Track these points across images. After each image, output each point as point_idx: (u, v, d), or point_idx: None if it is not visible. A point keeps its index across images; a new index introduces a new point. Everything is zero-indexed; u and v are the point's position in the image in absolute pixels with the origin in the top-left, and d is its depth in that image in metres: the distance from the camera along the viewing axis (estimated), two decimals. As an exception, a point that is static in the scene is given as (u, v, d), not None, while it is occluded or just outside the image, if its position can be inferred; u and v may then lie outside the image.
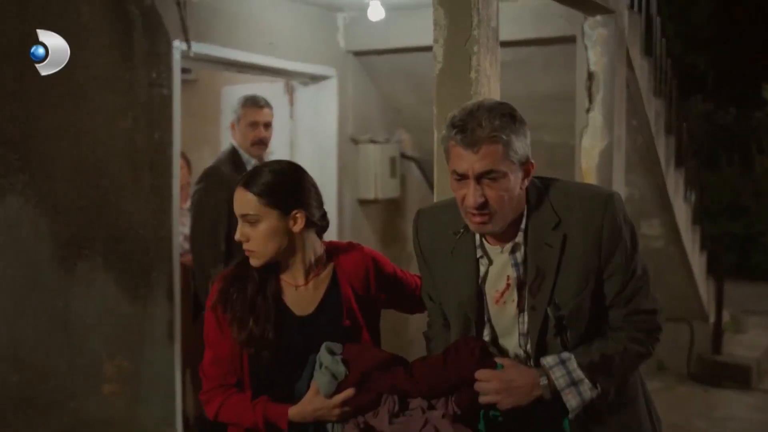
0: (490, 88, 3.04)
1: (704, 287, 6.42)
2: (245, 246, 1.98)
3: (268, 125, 3.88)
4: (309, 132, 4.99)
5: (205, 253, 3.72)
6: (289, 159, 4.79)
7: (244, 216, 1.97)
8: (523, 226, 1.88)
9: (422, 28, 4.93)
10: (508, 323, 1.94)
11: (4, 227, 2.99)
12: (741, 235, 11.17)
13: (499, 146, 1.76)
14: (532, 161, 1.85)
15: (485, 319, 1.95)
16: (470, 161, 1.78)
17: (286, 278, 2.07)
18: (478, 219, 1.81)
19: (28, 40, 3.07)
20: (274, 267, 2.05)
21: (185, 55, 3.81)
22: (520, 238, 1.88)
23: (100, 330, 3.37)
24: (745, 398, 6.01)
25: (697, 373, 6.39)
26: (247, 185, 1.96)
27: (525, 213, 1.88)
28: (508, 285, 1.91)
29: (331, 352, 1.96)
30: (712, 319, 6.58)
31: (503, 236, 1.89)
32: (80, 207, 3.25)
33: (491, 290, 1.94)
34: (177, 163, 3.72)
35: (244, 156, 3.85)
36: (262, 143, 3.85)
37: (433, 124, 5.66)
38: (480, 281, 1.94)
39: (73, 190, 3.22)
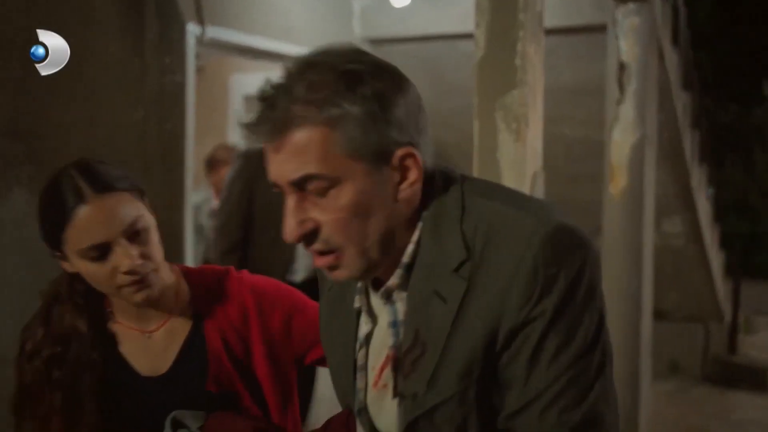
0: (536, 77, 2.85)
1: (722, 287, 6.27)
2: (139, 271, 1.34)
3: None
4: (322, 123, 4.78)
5: (223, 234, 3.64)
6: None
7: (131, 227, 1.34)
8: (406, 259, 1.08)
9: (443, 16, 4.78)
10: (391, 420, 1.13)
11: (11, 224, 2.78)
12: (745, 234, 11.08)
13: (316, 132, 1.00)
14: (415, 152, 1.04)
15: (358, 408, 1.18)
16: (274, 163, 1.05)
17: (126, 321, 1.44)
18: (320, 261, 1.08)
19: (35, 28, 2.88)
20: (103, 305, 1.44)
21: (199, 41, 3.60)
22: (398, 278, 1.09)
23: (110, 332, 3.16)
24: (761, 401, 5.87)
25: (712, 374, 6.26)
26: (110, 187, 1.34)
27: (416, 239, 1.08)
28: (388, 357, 1.12)
29: (180, 426, 1.37)
30: (727, 319, 6.44)
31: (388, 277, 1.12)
32: (90, 201, 3.05)
33: (375, 363, 1.15)
34: (190, 155, 3.52)
35: None
36: None
37: (450, 118, 5.48)
38: (358, 348, 1.17)
39: (82, 184, 3.01)
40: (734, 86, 13.07)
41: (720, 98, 12.70)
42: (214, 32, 3.67)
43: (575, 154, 5.06)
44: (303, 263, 3.72)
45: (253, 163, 3.69)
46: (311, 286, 4.03)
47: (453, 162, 4.79)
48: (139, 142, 3.21)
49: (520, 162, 2.78)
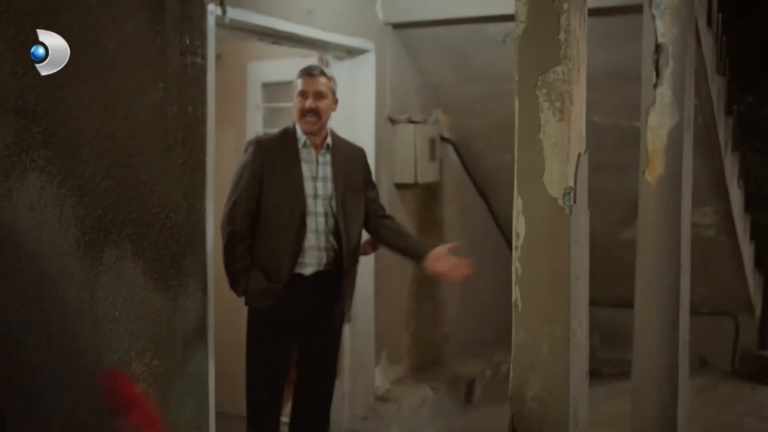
0: (580, 53, 2.69)
1: (753, 279, 6.09)
2: None
3: (320, 95, 3.55)
4: (344, 110, 4.62)
5: (228, 223, 3.58)
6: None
7: None
8: None
9: (469, -2, 4.63)
10: None
11: (26, 210, 2.63)
12: (764, 226, 10.86)
13: None
14: None
15: None
16: None
17: None
18: None
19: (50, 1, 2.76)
20: None
21: (219, 22, 3.46)
22: None
23: (129, 325, 3.02)
24: (795, 397, 5.71)
25: (742, 369, 6.09)
26: None
27: None
28: None
29: None
30: (757, 312, 6.26)
31: None
32: (107, 187, 2.89)
33: None
34: (211, 140, 3.37)
35: (299, 131, 3.58)
36: (311, 114, 3.53)
37: (471, 104, 5.18)
38: None
39: (100, 168, 2.86)
40: (748, 76, 12.83)
41: (735, 87, 12.45)
42: (234, 13, 3.53)
43: (604, 142, 4.90)
44: (311, 256, 3.59)
45: (265, 151, 3.57)
46: (320, 279, 3.88)
47: (476, 149, 4.62)
48: (158, 125, 3.06)
49: (564, 143, 2.63)
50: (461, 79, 5.07)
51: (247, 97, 4.95)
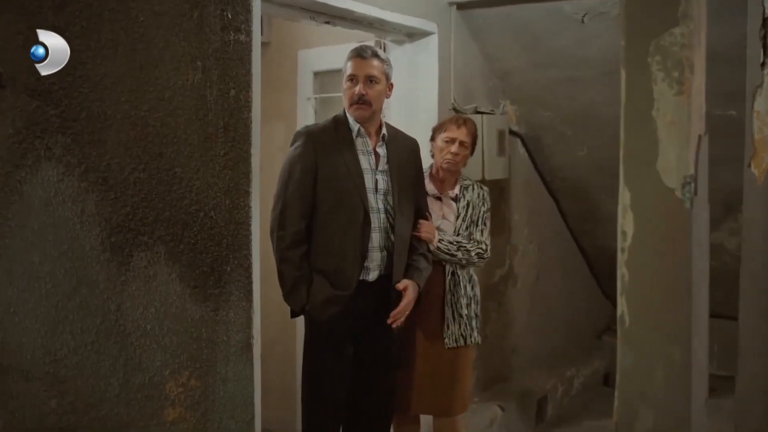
0: (701, 11, 2.23)
1: None
2: None
3: (371, 80, 3.17)
4: (404, 99, 4.23)
5: (283, 226, 3.24)
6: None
7: None
8: None
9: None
10: None
11: (40, 206, 2.27)
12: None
13: None
14: None
15: None
16: None
17: None
18: None
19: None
20: None
21: (266, -5, 3.08)
22: None
23: (162, 340, 2.66)
24: None
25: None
26: None
27: None
28: None
29: None
30: None
31: None
32: (137, 180, 2.53)
33: None
34: (257, 128, 2.98)
35: (350, 120, 3.21)
36: (362, 102, 3.16)
37: (543, 93, 4.63)
38: None
39: (128, 159, 2.49)
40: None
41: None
42: (282, -15, 3.16)
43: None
44: (374, 259, 3.21)
45: (317, 143, 3.21)
46: (384, 284, 3.46)
47: (547, 143, 4.06)
48: (196, 109, 2.67)
49: (683, 121, 2.16)
50: (532, 65, 4.64)
51: (298, 88, 4.59)
